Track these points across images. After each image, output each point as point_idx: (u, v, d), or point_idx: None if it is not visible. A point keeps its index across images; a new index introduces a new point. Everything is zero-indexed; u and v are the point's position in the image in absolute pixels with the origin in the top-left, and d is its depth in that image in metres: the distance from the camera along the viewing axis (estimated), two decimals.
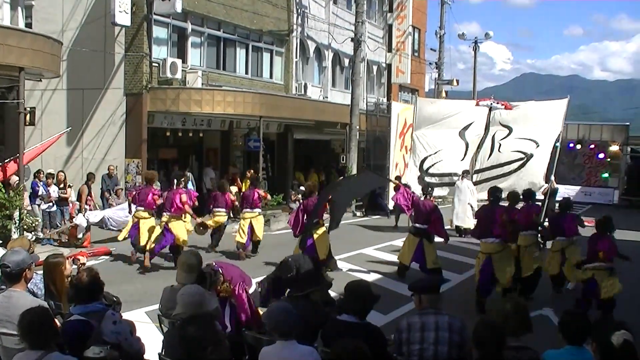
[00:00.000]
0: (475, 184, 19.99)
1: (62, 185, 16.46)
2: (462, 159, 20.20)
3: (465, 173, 19.36)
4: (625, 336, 4.14)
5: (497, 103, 20.17)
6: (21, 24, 19.31)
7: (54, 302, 5.65)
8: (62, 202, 16.31)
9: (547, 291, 11.61)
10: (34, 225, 15.03)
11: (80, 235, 15.48)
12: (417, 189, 17.29)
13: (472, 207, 18.90)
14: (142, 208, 13.46)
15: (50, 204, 16.08)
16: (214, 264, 7.14)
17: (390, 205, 21.50)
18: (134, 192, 14.26)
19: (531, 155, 19.10)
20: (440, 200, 20.70)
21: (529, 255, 11.43)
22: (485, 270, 10.35)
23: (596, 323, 4.58)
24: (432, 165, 20.25)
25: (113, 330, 4.89)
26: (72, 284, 5.28)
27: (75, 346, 4.53)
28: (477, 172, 20.30)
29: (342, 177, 21.87)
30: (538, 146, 19.12)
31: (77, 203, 16.78)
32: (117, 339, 4.90)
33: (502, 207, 10.94)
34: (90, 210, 16.38)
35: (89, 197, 16.91)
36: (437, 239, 13.09)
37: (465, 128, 20.22)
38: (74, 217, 16.03)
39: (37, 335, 4.11)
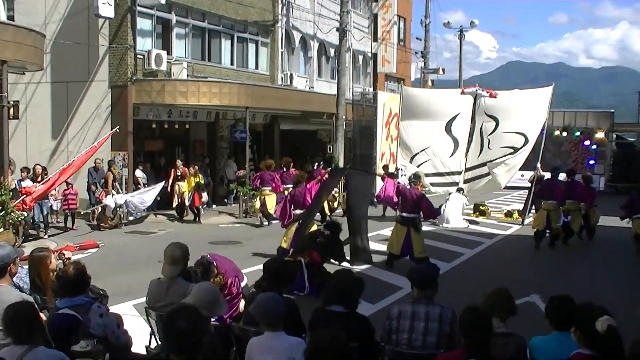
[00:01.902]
0: (466, 181, 20.17)
1: (39, 179, 15.90)
2: (451, 156, 20.25)
3: (461, 191, 19.63)
4: (609, 322, 4.15)
5: (482, 90, 20.22)
6: (3, 17, 19.12)
7: (40, 297, 5.61)
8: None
9: (535, 277, 11.65)
10: (20, 220, 14.79)
11: (111, 215, 17.20)
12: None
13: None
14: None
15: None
16: (208, 256, 7.13)
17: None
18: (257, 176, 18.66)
19: (520, 150, 19.21)
20: (426, 189, 20.71)
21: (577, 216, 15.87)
22: (547, 220, 15.47)
23: (578, 310, 4.57)
24: (423, 163, 20.27)
25: (100, 324, 4.87)
26: (59, 277, 5.25)
27: (62, 340, 4.49)
28: (468, 170, 20.37)
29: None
30: (526, 140, 19.16)
31: (102, 190, 17.71)
32: (104, 332, 4.87)
33: (561, 182, 16.10)
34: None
35: (114, 183, 17.99)
36: (425, 228, 13.10)
37: (452, 121, 20.18)
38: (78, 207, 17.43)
39: (22, 330, 4.06)
